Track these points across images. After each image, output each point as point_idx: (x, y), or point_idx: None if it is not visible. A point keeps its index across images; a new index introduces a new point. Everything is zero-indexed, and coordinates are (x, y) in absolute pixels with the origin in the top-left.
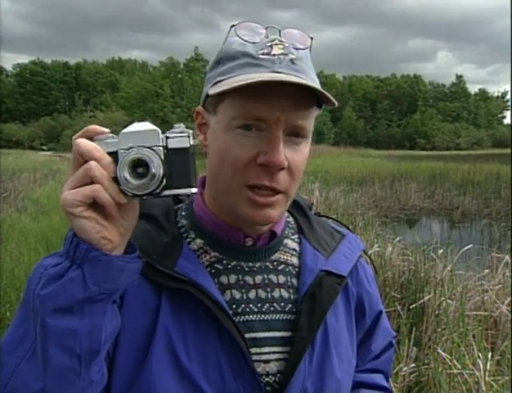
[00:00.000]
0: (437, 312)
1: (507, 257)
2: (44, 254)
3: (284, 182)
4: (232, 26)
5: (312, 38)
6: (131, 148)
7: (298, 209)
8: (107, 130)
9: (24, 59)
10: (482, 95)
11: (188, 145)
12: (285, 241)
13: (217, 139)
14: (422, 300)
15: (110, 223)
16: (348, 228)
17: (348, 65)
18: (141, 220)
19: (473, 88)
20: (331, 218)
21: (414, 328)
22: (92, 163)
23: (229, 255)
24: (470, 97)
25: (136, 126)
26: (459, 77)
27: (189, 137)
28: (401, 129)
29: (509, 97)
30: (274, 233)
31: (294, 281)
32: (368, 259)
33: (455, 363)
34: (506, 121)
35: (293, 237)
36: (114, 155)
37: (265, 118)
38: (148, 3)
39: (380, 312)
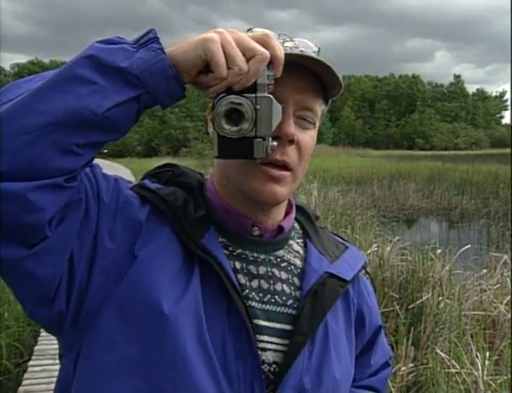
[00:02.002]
0: (435, 312)
1: (505, 257)
2: None
3: (294, 157)
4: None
5: (319, 48)
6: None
7: (305, 216)
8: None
9: (22, 59)
10: (481, 95)
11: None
12: (291, 241)
13: None
14: (420, 300)
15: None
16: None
17: (346, 64)
18: (180, 189)
19: (471, 88)
20: (335, 234)
21: (412, 328)
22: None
23: (235, 242)
24: (469, 96)
25: None
26: (457, 77)
27: None
28: (399, 129)
29: (507, 96)
30: (281, 229)
31: (296, 280)
32: (369, 277)
33: (454, 362)
34: (504, 121)
35: (298, 241)
36: None
37: (276, 97)
38: (146, 3)
39: (380, 327)
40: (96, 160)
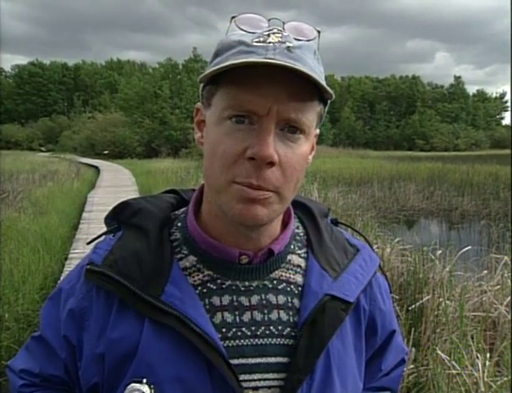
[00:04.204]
0: (435, 313)
1: (506, 258)
2: (44, 254)
3: (274, 179)
4: (233, 17)
5: (319, 32)
6: None
7: (309, 217)
8: None
9: (22, 60)
10: (481, 96)
11: None
12: (290, 256)
13: (210, 133)
14: (421, 301)
15: None
16: (366, 239)
17: (346, 65)
18: (134, 235)
19: (471, 89)
20: (349, 226)
21: (413, 329)
22: None
23: (223, 273)
24: (469, 97)
25: None
26: (457, 78)
27: None
28: (399, 130)
29: (507, 97)
30: (272, 252)
31: (296, 301)
32: (384, 276)
33: (454, 363)
34: (505, 122)
35: (299, 252)
36: None
37: (255, 110)
38: (145, 3)
39: (393, 331)
40: (97, 161)
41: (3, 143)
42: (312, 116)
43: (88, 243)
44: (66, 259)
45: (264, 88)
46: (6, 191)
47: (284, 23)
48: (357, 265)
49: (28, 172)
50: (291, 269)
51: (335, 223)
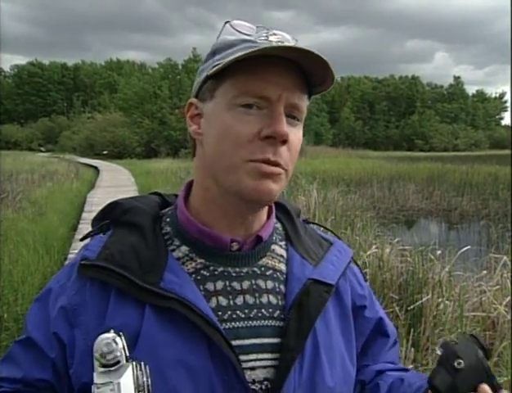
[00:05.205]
0: (435, 313)
1: (505, 258)
2: (43, 255)
3: (286, 157)
4: (227, 22)
5: (296, 41)
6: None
7: (285, 215)
8: None
9: (21, 60)
10: (480, 96)
11: None
12: (273, 246)
13: (217, 119)
14: (420, 301)
15: None
16: (336, 235)
17: (345, 66)
18: (128, 231)
19: (470, 89)
20: (319, 225)
21: (412, 329)
22: None
23: (215, 260)
24: (468, 98)
25: None
26: (457, 78)
27: None
28: (399, 130)
29: (506, 98)
30: (260, 239)
31: (282, 287)
32: (357, 266)
33: None
34: (504, 122)
35: (280, 244)
36: None
37: (268, 96)
38: (144, 3)
39: (381, 318)
40: (96, 162)
41: (3, 143)
42: (305, 106)
43: (81, 239)
44: (66, 259)
45: (274, 77)
46: (5, 191)
47: (268, 30)
48: (332, 255)
49: (27, 172)
50: (275, 258)
51: (306, 222)
